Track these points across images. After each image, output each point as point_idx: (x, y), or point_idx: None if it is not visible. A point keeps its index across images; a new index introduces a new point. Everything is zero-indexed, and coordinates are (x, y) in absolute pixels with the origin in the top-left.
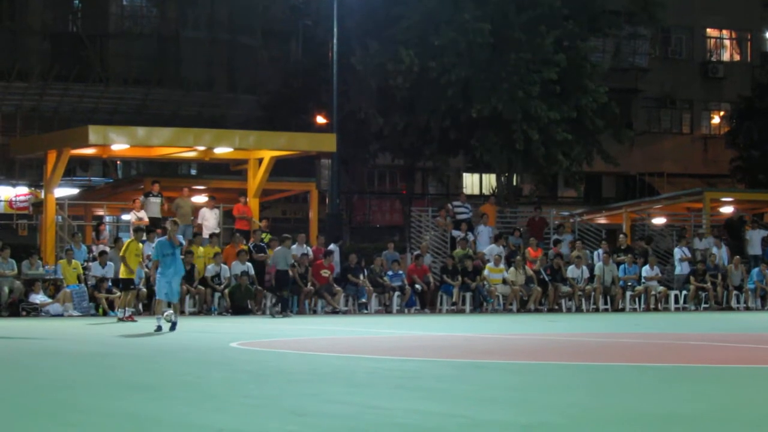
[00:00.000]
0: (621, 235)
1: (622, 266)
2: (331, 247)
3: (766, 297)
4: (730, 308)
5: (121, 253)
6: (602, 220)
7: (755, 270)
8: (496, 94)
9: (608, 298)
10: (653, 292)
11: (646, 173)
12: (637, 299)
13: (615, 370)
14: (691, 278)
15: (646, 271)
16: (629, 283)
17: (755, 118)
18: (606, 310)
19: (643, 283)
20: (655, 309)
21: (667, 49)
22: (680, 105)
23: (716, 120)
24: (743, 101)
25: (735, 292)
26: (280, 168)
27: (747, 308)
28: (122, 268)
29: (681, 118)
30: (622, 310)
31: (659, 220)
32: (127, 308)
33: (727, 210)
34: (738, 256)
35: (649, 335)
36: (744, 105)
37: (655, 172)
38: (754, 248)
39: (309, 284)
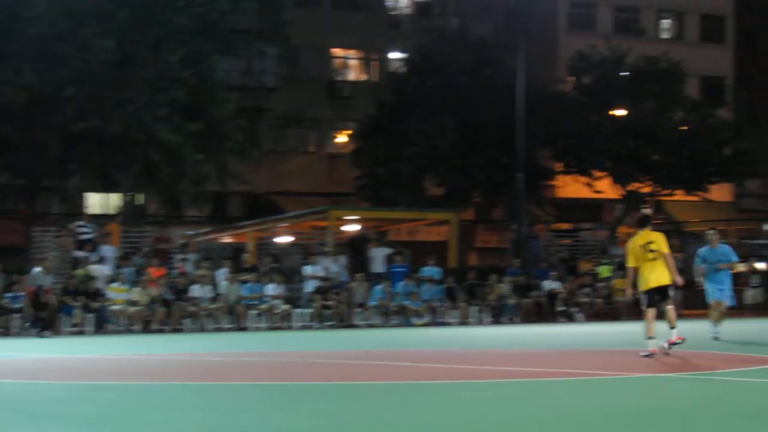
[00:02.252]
0: (246, 254)
1: (247, 285)
2: None
3: (388, 314)
4: (353, 325)
5: None
6: (228, 239)
7: (378, 287)
8: (120, 113)
9: (233, 316)
10: (278, 310)
11: (272, 192)
12: (261, 317)
13: (237, 389)
14: (316, 296)
15: (270, 289)
16: (254, 302)
17: (380, 137)
18: (231, 329)
19: (268, 301)
20: (280, 327)
21: (295, 68)
22: (307, 124)
23: (343, 139)
24: (369, 120)
25: (358, 309)
26: None
27: (370, 325)
28: None
29: (308, 137)
30: (246, 328)
31: (285, 239)
32: None
33: (352, 228)
34: (361, 274)
35: (273, 353)
36: (370, 124)
37: (281, 191)
38: (378, 266)
39: None
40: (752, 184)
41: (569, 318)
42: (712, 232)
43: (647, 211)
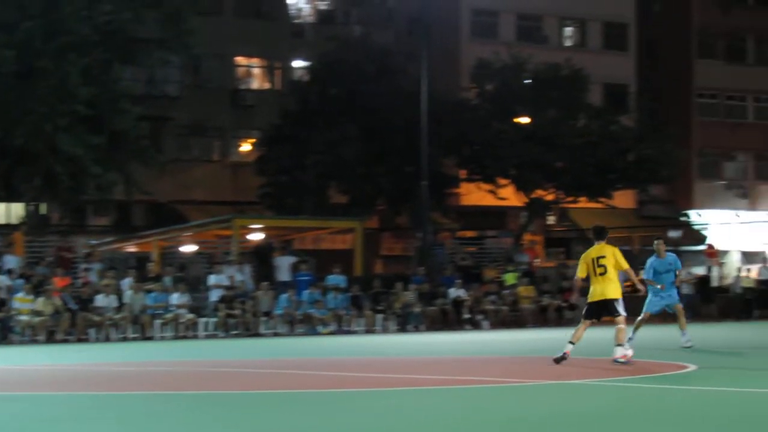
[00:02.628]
0: (150, 263)
1: (151, 294)
2: None
3: (294, 323)
4: (258, 334)
5: None
6: (132, 249)
7: (283, 296)
8: (22, 124)
9: (138, 326)
10: (183, 320)
11: (176, 201)
12: (166, 327)
13: (143, 399)
14: (221, 305)
15: (175, 298)
16: (158, 311)
17: (284, 145)
18: (136, 338)
19: (173, 310)
20: (185, 336)
21: (199, 77)
22: (211, 133)
23: (246, 148)
24: (272, 128)
25: (264, 318)
26: None
27: (276, 334)
28: None
29: (212, 145)
30: (152, 338)
31: (190, 248)
32: None
33: (257, 237)
34: (266, 282)
35: (179, 363)
36: (273, 132)
37: (185, 199)
38: (283, 274)
39: None
40: (655, 191)
41: (475, 325)
42: (658, 242)
43: (602, 224)
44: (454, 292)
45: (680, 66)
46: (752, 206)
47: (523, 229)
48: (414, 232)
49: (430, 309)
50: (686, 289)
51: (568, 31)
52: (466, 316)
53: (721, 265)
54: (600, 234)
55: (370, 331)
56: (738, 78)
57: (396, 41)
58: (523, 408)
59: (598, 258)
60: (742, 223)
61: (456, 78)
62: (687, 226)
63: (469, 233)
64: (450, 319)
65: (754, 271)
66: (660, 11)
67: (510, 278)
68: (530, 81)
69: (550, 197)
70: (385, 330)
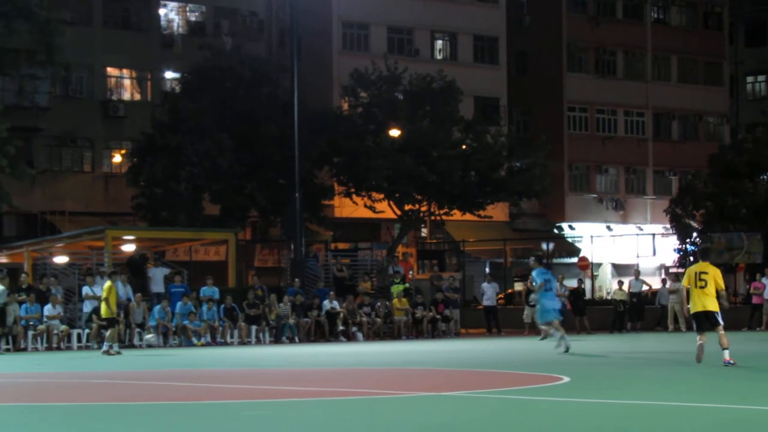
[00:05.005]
0: (23, 275)
1: (23, 305)
2: None
3: (168, 334)
4: (132, 346)
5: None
6: (3, 260)
7: (157, 307)
8: None
9: (10, 338)
10: (56, 331)
11: (48, 212)
12: (39, 338)
13: (16, 411)
14: (94, 316)
15: (47, 310)
16: (31, 323)
17: (156, 156)
18: (8, 350)
19: (45, 322)
20: (58, 348)
21: (68, 87)
22: (81, 143)
23: (118, 158)
24: (145, 138)
25: (137, 329)
26: None
27: (149, 345)
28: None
29: (82, 156)
30: (25, 349)
31: (62, 259)
32: None
33: (130, 248)
34: (140, 294)
35: (52, 375)
36: (145, 142)
37: (57, 210)
38: (157, 285)
39: None
40: (527, 204)
41: (349, 337)
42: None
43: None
44: (328, 304)
45: (551, 79)
46: (624, 219)
47: (396, 241)
48: (287, 244)
49: (304, 321)
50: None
51: (440, 44)
52: (340, 327)
53: (593, 277)
54: (704, 254)
55: (244, 342)
56: (608, 92)
57: (268, 53)
58: (395, 418)
59: (701, 273)
60: (613, 235)
61: (329, 89)
62: (559, 239)
63: (343, 245)
64: (324, 331)
65: (625, 284)
66: (530, 25)
67: (396, 290)
68: (403, 93)
69: (423, 209)
70: (259, 342)
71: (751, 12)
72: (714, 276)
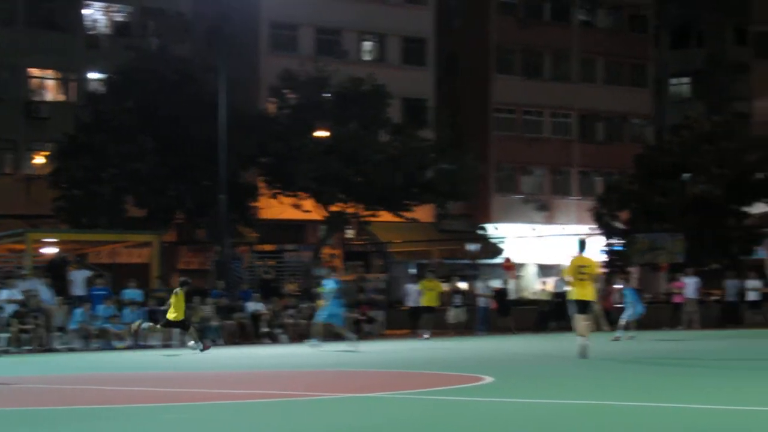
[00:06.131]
0: None
1: None
2: None
3: (90, 337)
4: (52, 349)
5: None
6: None
7: (78, 310)
8: None
9: None
10: None
11: None
12: None
13: None
14: (13, 320)
15: None
16: None
17: (79, 158)
18: None
19: None
20: None
21: None
22: (3, 145)
23: (40, 160)
24: (67, 140)
25: (58, 333)
26: None
27: (70, 349)
28: None
29: (4, 158)
30: None
31: None
32: None
33: (51, 251)
34: (61, 297)
35: None
36: (67, 144)
37: None
38: (78, 289)
39: None
40: (453, 206)
41: (273, 339)
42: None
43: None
44: (252, 306)
45: (479, 81)
46: (549, 220)
47: (322, 243)
48: (212, 246)
49: (228, 323)
50: (483, 303)
51: (368, 45)
52: (265, 329)
53: (517, 278)
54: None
55: (166, 345)
56: (535, 93)
57: (195, 53)
58: (318, 421)
59: (582, 267)
60: (538, 236)
61: (256, 90)
62: (484, 240)
63: (268, 247)
64: (248, 333)
65: (550, 284)
66: (459, 26)
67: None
68: (330, 95)
69: (350, 210)
70: (181, 344)
71: (676, 15)
72: (593, 268)
